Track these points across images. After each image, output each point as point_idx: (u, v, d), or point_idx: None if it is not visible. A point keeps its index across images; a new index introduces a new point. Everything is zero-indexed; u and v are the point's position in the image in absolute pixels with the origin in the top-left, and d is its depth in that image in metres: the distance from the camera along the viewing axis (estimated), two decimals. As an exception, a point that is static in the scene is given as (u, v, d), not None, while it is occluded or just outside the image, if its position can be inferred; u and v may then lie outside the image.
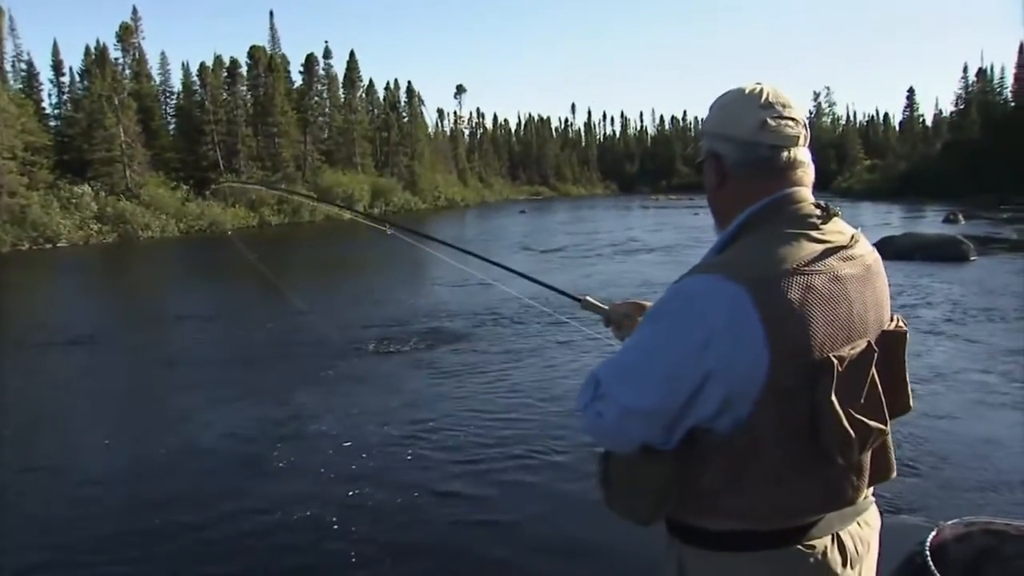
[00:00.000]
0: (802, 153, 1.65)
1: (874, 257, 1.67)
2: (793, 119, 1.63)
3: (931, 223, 34.23)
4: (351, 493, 6.13)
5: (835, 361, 1.45)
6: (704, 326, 1.44)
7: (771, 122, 1.60)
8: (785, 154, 1.62)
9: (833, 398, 1.44)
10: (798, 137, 1.64)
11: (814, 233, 1.54)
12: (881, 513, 1.76)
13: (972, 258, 19.72)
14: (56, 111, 58.93)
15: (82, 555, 5.28)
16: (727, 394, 1.45)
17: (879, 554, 1.73)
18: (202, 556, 5.21)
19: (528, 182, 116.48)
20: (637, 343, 1.59)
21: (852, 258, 1.57)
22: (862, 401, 1.51)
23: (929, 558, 3.31)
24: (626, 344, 1.64)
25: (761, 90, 1.64)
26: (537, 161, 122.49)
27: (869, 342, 1.54)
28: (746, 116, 1.62)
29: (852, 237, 1.61)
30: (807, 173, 1.66)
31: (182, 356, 12.08)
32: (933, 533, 3.46)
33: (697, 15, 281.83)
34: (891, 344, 1.63)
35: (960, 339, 11.03)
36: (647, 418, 1.51)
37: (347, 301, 17.39)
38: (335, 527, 5.52)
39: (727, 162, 1.65)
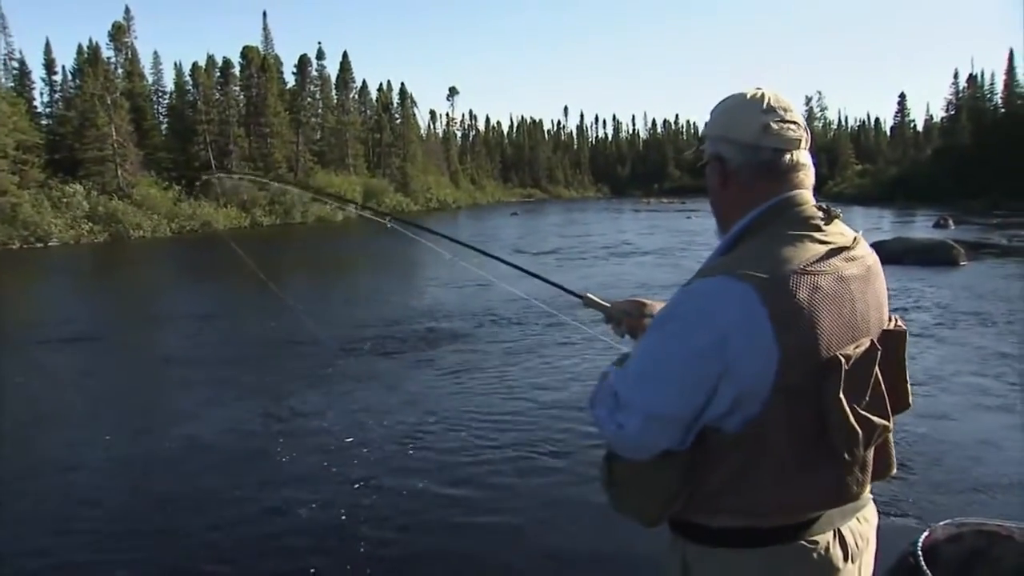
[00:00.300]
0: (803, 156, 1.68)
1: (874, 258, 1.70)
2: (795, 123, 1.66)
3: (921, 228, 34.40)
4: (355, 487, 6.17)
5: (842, 359, 1.48)
6: (716, 327, 1.47)
7: (774, 126, 1.63)
8: (787, 157, 1.65)
9: (841, 396, 1.47)
10: (800, 140, 1.67)
11: (817, 235, 1.57)
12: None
13: (962, 263, 19.79)
14: (48, 110, 58.86)
15: (84, 550, 5.29)
16: (738, 393, 1.47)
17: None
18: (205, 551, 5.21)
19: (520, 184, 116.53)
20: (651, 349, 1.61)
21: (854, 259, 1.60)
22: (867, 399, 1.54)
23: (921, 558, 3.34)
24: (639, 350, 1.65)
25: (763, 95, 1.67)
26: (529, 163, 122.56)
27: (872, 341, 1.57)
28: (749, 120, 1.65)
29: (854, 239, 1.65)
30: (808, 176, 1.69)
31: (179, 354, 12.05)
32: (925, 533, 3.49)
33: (690, 19, 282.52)
34: (892, 343, 1.66)
35: (951, 342, 11.10)
36: (669, 423, 1.52)
37: (344, 301, 17.39)
38: (337, 523, 5.54)
39: (731, 165, 1.68)
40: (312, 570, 4.92)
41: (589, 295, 2.45)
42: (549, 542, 5.27)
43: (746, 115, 1.66)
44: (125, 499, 6.21)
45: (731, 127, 1.68)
